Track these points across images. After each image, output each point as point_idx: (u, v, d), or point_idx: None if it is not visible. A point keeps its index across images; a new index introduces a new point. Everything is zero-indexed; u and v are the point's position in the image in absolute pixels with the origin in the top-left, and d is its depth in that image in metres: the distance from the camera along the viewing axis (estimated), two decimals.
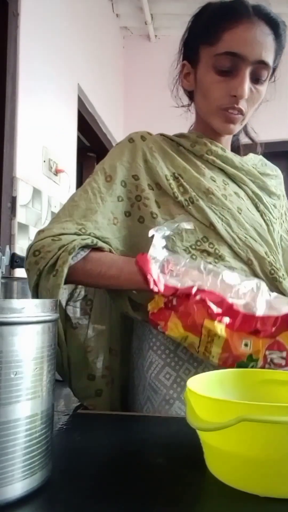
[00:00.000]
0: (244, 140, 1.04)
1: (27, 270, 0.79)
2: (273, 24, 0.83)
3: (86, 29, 2.86)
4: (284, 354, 0.69)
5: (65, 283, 0.76)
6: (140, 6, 3.39)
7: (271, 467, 0.43)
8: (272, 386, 0.58)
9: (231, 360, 0.69)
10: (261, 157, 1.02)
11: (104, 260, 0.80)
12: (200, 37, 0.87)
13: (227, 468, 0.46)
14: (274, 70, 0.90)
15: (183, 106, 0.99)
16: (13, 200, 1.86)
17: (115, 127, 3.53)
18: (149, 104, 3.58)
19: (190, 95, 0.96)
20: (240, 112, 0.85)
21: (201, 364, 0.81)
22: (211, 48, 0.84)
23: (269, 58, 0.83)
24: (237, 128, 0.89)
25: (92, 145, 3.47)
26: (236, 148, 1.03)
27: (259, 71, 0.83)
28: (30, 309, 0.43)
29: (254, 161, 0.99)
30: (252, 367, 0.68)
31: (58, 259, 0.75)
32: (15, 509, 0.41)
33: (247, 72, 0.82)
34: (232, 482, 0.45)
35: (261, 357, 0.68)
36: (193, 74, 0.91)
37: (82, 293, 0.93)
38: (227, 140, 0.96)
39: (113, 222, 0.84)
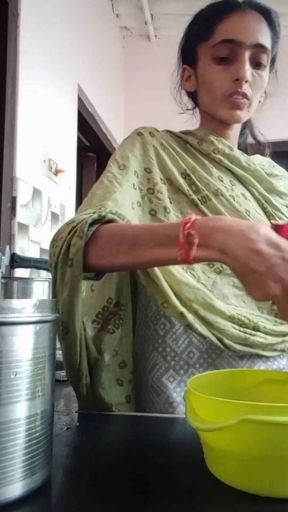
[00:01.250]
0: (249, 140, 1.04)
1: (50, 266, 0.72)
2: (265, 12, 0.85)
3: (86, 29, 2.86)
4: None
5: (85, 271, 0.68)
6: (140, 6, 3.39)
7: (271, 467, 0.43)
8: (272, 386, 0.58)
9: None
10: (269, 158, 1.02)
11: (115, 232, 0.67)
12: (196, 37, 0.89)
13: (227, 468, 0.46)
14: (273, 60, 0.90)
15: (187, 109, 0.99)
16: (13, 200, 1.86)
17: (115, 127, 3.52)
18: (149, 104, 3.58)
19: (193, 97, 0.97)
20: (245, 96, 0.84)
21: (207, 369, 0.79)
22: (208, 42, 0.86)
23: (266, 42, 0.84)
24: (244, 115, 0.87)
25: (92, 145, 3.47)
26: (244, 150, 1.02)
27: (258, 55, 0.84)
28: (30, 309, 0.43)
29: (261, 161, 0.98)
30: None
31: (70, 246, 0.67)
32: (15, 509, 0.41)
33: (246, 56, 0.83)
34: (232, 482, 0.45)
35: None
36: (194, 74, 0.92)
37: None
38: (234, 136, 0.95)
39: (131, 206, 0.80)
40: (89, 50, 2.92)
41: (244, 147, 1.03)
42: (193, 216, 0.58)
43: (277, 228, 0.58)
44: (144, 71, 3.71)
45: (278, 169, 1.00)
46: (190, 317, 0.75)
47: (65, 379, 1.12)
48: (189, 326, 0.76)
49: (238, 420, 0.40)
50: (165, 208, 0.83)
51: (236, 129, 0.94)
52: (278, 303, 0.51)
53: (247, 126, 1.02)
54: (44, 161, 2.16)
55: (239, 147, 1.00)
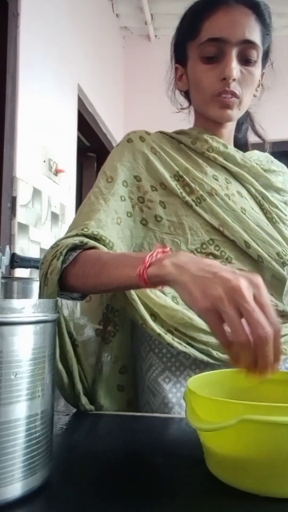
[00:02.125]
0: (253, 139, 1.03)
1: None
2: (253, 5, 0.83)
3: (86, 29, 2.86)
4: None
5: (64, 290, 0.70)
6: (140, 6, 3.39)
7: (271, 467, 0.43)
8: (272, 386, 0.58)
9: None
10: (267, 154, 1.00)
11: (93, 256, 0.69)
12: (185, 36, 0.88)
13: (227, 468, 0.46)
14: (267, 53, 0.89)
15: (182, 109, 0.99)
16: (13, 200, 1.86)
17: (115, 127, 3.52)
18: (149, 104, 3.57)
19: (187, 96, 0.96)
20: (234, 95, 0.83)
21: (203, 370, 0.79)
22: (195, 41, 0.85)
23: (254, 37, 0.82)
24: (235, 113, 0.86)
25: (92, 145, 3.47)
26: (244, 144, 1.01)
27: (247, 51, 0.82)
28: (30, 309, 0.43)
29: (259, 157, 0.97)
30: None
31: (49, 267, 0.70)
32: (15, 509, 0.41)
33: (233, 54, 0.81)
34: (232, 482, 0.45)
35: None
36: (185, 73, 0.91)
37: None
38: (229, 134, 0.94)
39: (117, 221, 0.80)
40: (89, 50, 2.92)
41: (243, 142, 1.02)
42: (168, 248, 0.61)
43: None
44: (144, 71, 3.71)
45: (276, 164, 0.99)
46: (168, 337, 0.76)
47: None
48: (169, 345, 0.76)
49: (238, 420, 0.40)
50: (155, 216, 0.84)
51: (230, 126, 0.93)
52: (222, 305, 0.48)
53: (245, 121, 1.01)
54: (44, 161, 2.16)
55: (238, 143, 0.99)
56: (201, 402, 0.47)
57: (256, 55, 0.83)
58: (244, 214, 0.85)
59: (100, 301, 0.87)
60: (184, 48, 0.89)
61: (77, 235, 0.73)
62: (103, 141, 3.38)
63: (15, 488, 0.41)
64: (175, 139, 0.92)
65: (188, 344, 0.77)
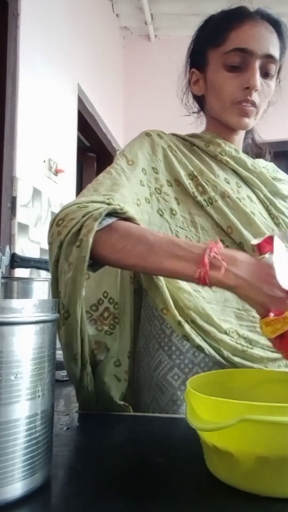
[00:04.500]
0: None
1: (49, 244, 0.69)
2: (275, 23, 0.87)
3: (86, 29, 2.86)
4: None
5: (90, 258, 0.65)
6: (140, 6, 3.39)
7: (271, 467, 0.43)
8: (272, 386, 0.58)
9: None
10: (272, 163, 1.03)
11: (135, 232, 0.66)
12: (207, 43, 0.91)
13: (227, 468, 0.46)
14: (279, 69, 0.92)
15: (194, 112, 1.01)
16: (13, 200, 1.86)
17: (115, 127, 3.52)
18: (149, 104, 3.58)
19: (200, 101, 0.99)
20: (254, 104, 0.86)
21: (212, 368, 0.79)
22: (219, 48, 0.87)
23: (276, 53, 0.86)
24: (251, 122, 0.89)
25: (92, 145, 3.47)
26: (246, 153, 1.03)
27: (268, 65, 0.86)
28: (30, 309, 0.43)
29: (266, 165, 1.00)
30: None
31: (82, 227, 0.65)
32: (15, 509, 0.41)
33: (257, 65, 0.85)
34: (232, 482, 0.45)
35: None
36: (203, 79, 0.93)
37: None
38: (239, 141, 0.97)
39: (137, 203, 0.79)
40: (89, 50, 2.92)
41: (246, 152, 1.04)
42: (219, 243, 0.63)
43: (259, 247, 0.64)
44: (144, 71, 3.71)
45: (281, 174, 1.02)
46: (187, 327, 0.74)
47: (65, 379, 1.12)
48: (185, 337, 0.75)
49: (238, 420, 0.40)
50: (171, 209, 0.85)
51: (241, 134, 0.96)
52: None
53: (250, 131, 1.03)
54: (44, 161, 2.16)
55: (243, 151, 1.01)
56: (201, 402, 0.47)
57: (275, 70, 0.87)
58: (254, 217, 0.87)
59: (98, 285, 0.85)
60: (204, 54, 0.91)
61: (104, 203, 0.69)
62: (103, 141, 3.38)
63: (15, 488, 0.41)
64: (187, 141, 0.95)
65: (203, 339, 0.75)
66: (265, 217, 0.90)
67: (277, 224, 0.90)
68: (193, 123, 1.01)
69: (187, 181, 0.86)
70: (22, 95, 1.94)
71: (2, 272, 1.25)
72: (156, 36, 3.77)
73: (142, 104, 3.66)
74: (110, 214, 0.67)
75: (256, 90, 0.85)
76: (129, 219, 0.70)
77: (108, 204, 0.69)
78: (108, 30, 3.47)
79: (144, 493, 0.44)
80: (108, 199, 0.71)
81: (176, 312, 0.74)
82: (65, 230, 0.67)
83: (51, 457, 0.47)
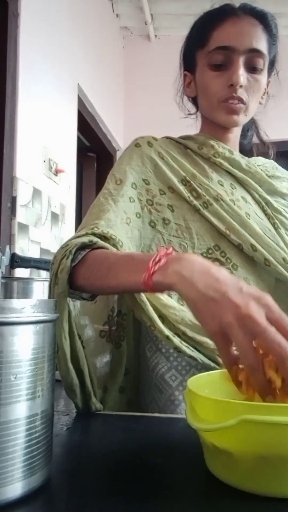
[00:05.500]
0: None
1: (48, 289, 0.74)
2: (260, 16, 0.86)
3: (86, 29, 2.86)
4: None
5: (74, 290, 0.70)
6: (140, 6, 3.39)
7: (271, 467, 0.43)
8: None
9: None
10: (272, 161, 1.02)
11: (99, 257, 0.69)
12: (194, 45, 0.91)
13: (227, 468, 0.46)
14: (273, 62, 0.91)
15: (190, 114, 1.01)
16: (13, 200, 1.86)
17: (115, 127, 3.52)
18: (149, 104, 3.58)
19: (195, 102, 0.99)
20: (241, 101, 0.86)
21: (209, 370, 0.79)
22: (204, 49, 0.88)
23: (261, 46, 0.85)
24: (241, 119, 0.89)
25: (92, 145, 3.47)
26: (249, 150, 1.03)
27: (254, 60, 0.85)
28: (30, 309, 0.43)
29: (264, 163, 0.99)
30: None
31: (59, 267, 0.69)
32: (15, 509, 0.41)
33: (240, 62, 0.84)
34: (232, 482, 0.45)
35: None
36: (193, 80, 0.94)
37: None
38: (234, 139, 0.96)
39: (126, 221, 0.81)
40: (89, 50, 2.92)
41: (249, 148, 1.03)
42: (171, 249, 0.58)
43: None
44: (144, 71, 3.71)
45: (281, 171, 1.01)
46: (176, 340, 0.75)
47: None
48: (177, 349, 0.76)
49: (238, 420, 0.40)
50: (164, 219, 0.85)
51: (236, 132, 0.95)
52: (232, 330, 0.46)
53: (250, 127, 1.03)
54: (44, 161, 2.16)
55: (243, 149, 1.01)
56: (201, 402, 0.47)
57: (263, 63, 0.86)
58: (249, 219, 0.86)
59: (106, 302, 0.86)
60: (193, 56, 0.92)
61: (86, 234, 0.73)
62: (103, 141, 3.38)
63: (15, 488, 0.41)
64: (181, 144, 0.94)
65: (195, 348, 0.77)
66: (261, 218, 0.89)
67: (273, 224, 0.89)
68: (192, 124, 1.01)
69: (181, 187, 0.86)
70: (22, 95, 1.94)
71: (2, 272, 1.25)
72: (156, 36, 3.77)
73: (142, 104, 3.66)
74: (84, 247, 0.70)
75: (241, 87, 0.84)
76: (102, 247, 0.71)
77: (92, 234, 0.72)
78: (108, 30, 3.47)
79: (144, 493, 0.44)
80: (92, 229, 0.74)
81: (163, 328, 0.75)
82: (50, 272, 0.72)
83: (51, 457, 0.47)
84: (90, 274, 0.68)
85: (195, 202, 0.86)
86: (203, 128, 0.97)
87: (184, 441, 0.58)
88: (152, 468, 0.50)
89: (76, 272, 0.69)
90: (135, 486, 0.46)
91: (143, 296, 0.75)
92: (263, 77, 0.88)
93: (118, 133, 3.61)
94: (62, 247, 0.73)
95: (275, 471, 0.43)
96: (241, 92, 0.85)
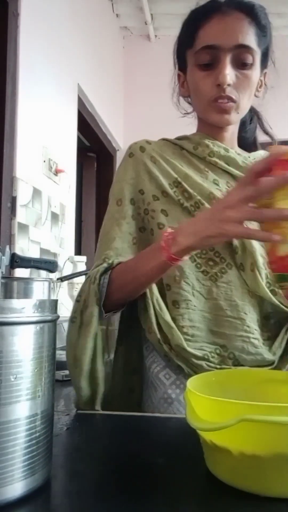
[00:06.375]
0: (263, 138, 1.03)
1: (72, 321, 0.82)
2: (247, 9, 0.84)
3: (86, 29, 2.86)
4: None
5: (109, 310, 0.81)
6: (140, 6, 3.39)
7: (271, 467, 0.43)
8: (272, 386, 0.58)
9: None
10: None
11: (120, 270, 0.81)
12: (183, 44, 0.91)
13: (227, 468, 0.46)
14: (266, 53, 0.89)
15: (186, 113, 1.00)
16: (13, 200, 1.86)
17: (115, 127, 3.52)
18: (149, 104, 3.58)
19: (190, 101, 0.98)
20: (230, 99, 0.84)
21: (202, 371, 0.81)
22: (192, 48, 0.87)
23: (248, 41, 0.83)
24: (233, 117, 0.87)
25: (92, 145, 3.47)
26: (252, 144, 1.01)
27: (242, 56, 0.83)
28: (30, 309, 0.43)
29: (263, 157, 0.94)
30: None
31: (88, 294, 0.80)
32: (15, 509, 0.41)
33: (227, 60, 0.82)
34: (232, 482, 0.45)
35: None
36: (186, 80, 0.93)
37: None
38: (231, 137, 0.94)
39: (133, 242, 0.87)
40: (89, 50, 2.92)
41: (251, 141, 1.01)
42: (169, 229, 0.72)
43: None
44: (144, 71, 3.71)
45: None
46: (166, 347, 0.82)
47: (65, 379, 1.12)
48: (166, 356, 0.83)
49: (238, 420, 0.40)
50: (158, 224, 0.87)
51: (232, 129, 0.94)
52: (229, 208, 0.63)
53: (252, 120, 1.01)
54: (44, 161, 2.16)
55: (245, 143, 0.98)
56: (201, 402, 0.47)
57: (252, 58, 0.84)
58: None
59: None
60: (184, 56, 0.91)
61: (102, 264, 0.83)
62: (103, 141, 3.38)
63: (15, 488, 0.41)
64: (177, 145, 0.94)
65: (183, 362, 0.82)
66: None
67: None
68: (191, 123, 1.00)
69: (171, 190, 0.87)
70: (22, 95, 1.94)
71: (2, 272, 1.25)
72: (156, 36, 3.77)
73: (142, 104, 3.66)
74: (105, 271, 0.81)
75: (229, 85, 0.83)
76: (118, 263, 0.83)
77: (107, 263, 0.83)
78: (108, 30, 3.47)
79: (144, 493, 0.44)
80: (103, 259, 0.84)
81: (158, 333, 0.82)
82: (78, 304, 0.82)
83: (51, 457, 0.47)
84: (121, 284, 0.79)
85: (186, 204, 0.86)
86: (199, 127, 0.96)
87: (184, 441, 0.58)
88: (152, 468, 0.50)
89: (109, 292, 0.79)
90: (135, 486, 0.46)
91: (150, 302, 0.83)
92: (253, 72, 0.86)
93: (118, 133, 3.61)
94: (86, 279, 0.83)
95: (275, 471, 0.43)
96: (230, 91, 0.84)
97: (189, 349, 0.80)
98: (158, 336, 0.82)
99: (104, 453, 0.56)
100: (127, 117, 3.74)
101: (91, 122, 3.05)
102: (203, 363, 0.80)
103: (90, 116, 3.00)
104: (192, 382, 0.52)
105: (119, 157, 3.63)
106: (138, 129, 3.80)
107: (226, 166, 0.90)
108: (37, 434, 0.44)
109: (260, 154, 0.97)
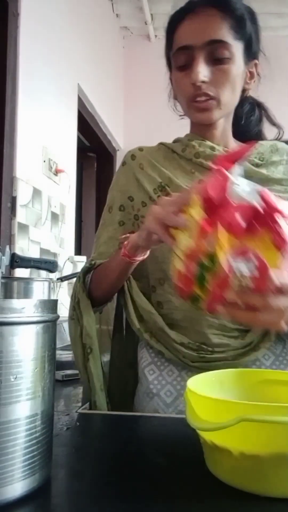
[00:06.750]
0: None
1: (71, 319, 0.89)
2: (219, 3, 0.83)
3: (86, 29, 2.86)
4: (251, 265, 0.49)
5: (95, 305, 0.89)
6: (140, 6, 3.39)
7: (271, 467, 0.43)
8: (272, 386, 0.58)
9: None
10: (274, 142, 0.96)
11: (98, 270, 0.89)
12: (166, 48, 0.92)
13: (227, 468, 0.46)
14: (250, 43, 0.87)
15: (183, 115, 0.99)
16: (13, 200, 1.86)
17: (115, 127, 3.52)
18: (149, 104, 3.57)
19: None
20: (209, 96, 0.83)
21: (185, 368, 0.85)
22: (171, 52, 0.88)
23: (222, 35, 0.82)
24: (216, 114, 0.86)
25: (92, 145, 3.47)
26: (256, 136, 0.98)
27: (216, 51, 0.82)
28: (30, 309, 0.43)
29: (259, 150, 0.93)
30: (207, 270, 0.51)
31: (76, 291, 0.89)
32: (15, 509, 0.41)
33: (200, 58, 0.82)
34: (232, 482, 0.45)
35: (222, 259, 0.49)
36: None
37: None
38: (221, 133, 0.92)
39: (119, 246, 0.88)
40: (89, 50, 2.92)
41: (255, 134, 0.99)
42: (129, 236, 0.79)
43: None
44: (144, 71, 3.71)
45: (280, 153, 0.94)
46: (146, 335, 0.87)
47: (65, 379, 1.12)
48: (147, 343, 0.88)
49: (238, 420, 0.40)
50: None
51: (221, 126, 0.91)
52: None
53: (253, 113, 0.99)
54: (44, 161, 2.16)
55: (249, 136, 0.96)
56: (201, 402, 0.47)
57: (228, 52, 0.83)
58: None
59: (111, 306, 0.98)
60: (168, 58, 0.92)
61: (89, 265, 0.91)
62: (103, 141, 3.38)
63: (15, 488, 0.41)
64: (170, 148, 0.95)
65: (162, 345, 0.86)
66: None
67: None
68: (184, 120, 0.99)
69: (155, 195, 0.89)
70: (22, 95, 1.94)
71: (2, 272, 1.25)
72: (156, 36, 3.76)
73: (142, 104, 3.66)
74: (88, 271, 0.90)
75: (204, 82, 0.82)
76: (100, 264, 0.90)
77: (90, 265, 0.91)
78: (108, 30, 3.47)
79: (144, 493, 0.44)
80: (90, 261, 0.92)
81: (136, 322, 0.88)
82: (72, 299, 0.91)
83: (51, 457, 0.47)
84: (98, 281, 0.88)
85: None
86: (191, 127, 0.96)
87: (184, 441, 0.58)
88: (152, 468, 0.50)
89: (91, 289, 0.88)
90: (135, 486, 0.46)
91: (128, 294, 0.89)
92: (233, 66, 0.84)
93: (118, 133, 3.61)
94: (75, 280, 0.91)
95: (275, 471, 0.43)
96: (206, 88, 0.82)
97: (169, 332, 0.85)
98: (138, 326, 0.87)
99: (104, 453, 0.56)
100: (127, 117, 3.74)
101: (91, 122, 3.05)
102: (182, 348, 0.84)
103: (90, 116, 3.00)
104: (192, 382, 0.52)
105: (119, 157, 3.63)
106: (138, 129, 3.81)
107: (212, 165, 0.89)
108: (37, 434, 0.44)
109: (259, 145, 0.93)
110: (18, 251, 1.82)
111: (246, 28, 0.85)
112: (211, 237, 0.51)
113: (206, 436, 0.47)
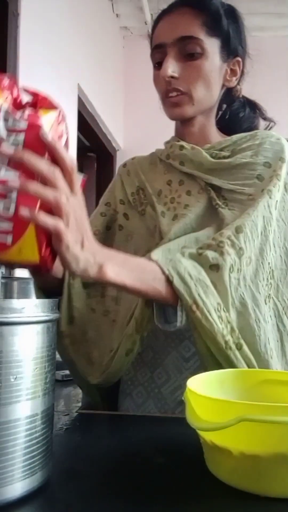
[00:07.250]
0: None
1: None
2: (192, 1, 0.84)
3: (86, 29, 2.86)
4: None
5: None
6: (140, 6, 3.39)
7: (271, 467, 0.43)
8: (272, 386, 0.58)
9: None
10: (254, 132, 0.90)
11: None
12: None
13: (227, 468, 0.46)
14: (228, 39, 0.86)
15: None
16: None
17: (115, 127, 3.52)
18: (149, 104, 3.56)
19: None
20: (180, 92, 0.83)
21: (157, 368, 0.83)
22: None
23: (193, 31, 0.82)
24: (188, 110, 0.85)
25: (92, 145, 3.47)
26: (248, 131, 0.94)
27: (187, 47, 0.82)
28: (30, 309, 0.43)
29: (235, 140, 0.88)
30: None
31: None
32: (15, 509, 0.41)
33: (171, 54, 0.83)
34: (232, 482, 0.45)
35: None
36: None
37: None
38: (200, 132, 0.90)
39: (95, 233, 0.89)
40: (89, 50, 2.92)
41: (247, 129, 0.96)
42: None
43: None
44: (144, 71, 3.67)
45: (254, 139, 0.87)
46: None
47: (65, 379, 1.12)
48: None
49: (238, 420, 0.40)
50: (119, 226, 0.94)
51: (198, 124, 0.90)
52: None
53: (242, 110, 0.97)
54: None
55: (241, 132, 0.92)
56: (201, 402, 0.47)
57: (200, 47, 0.82)
58: (185, 211, 0.83)
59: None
60: None
61: None
62: (103, 141, 3.38)
63: (15, 488, 0.41)
64: (156, 154, 0.97)
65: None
66: (206, 205, 0.84)
67: (216, 206, 0.82)
68: None
69: (131, 198, 0.93)
70: None
71: (2, 272, 1.24)
72: None
73: (142, 104, 3.65)
74: None
75: (173, 77, 0.82)
76: None
77: None
78: (108, 30, 3.47)
79: (144, 493, 0.44)
80: None
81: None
82: None
83: (51, 457, 0.47)
84: None
85: (139, 208, 0.91)
86: (175, 128, 0.97)
87: (184, 441, 0.58)
88: (152, 468, 0.50)
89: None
90: (135, 486, 0.46)
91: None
92: (205, 61, 0.83)
93: (118, 133, 3.61)
94: None
95: (274, 471, 0.43)
96: (176, 83, 0.83)
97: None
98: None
99: (104, 453, 0.56)
100: (127, 117, 3.75)
101: (91, 122, 3.05)
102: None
103: (90, 116, 3.00)
104: (192, 382, 0.52)
105: (119, 157, 3.63)
106: (138, 129, 3.81)
107: (178, 165, 0.89)
108: (37, 434, 0.44)
109: (233, 138, 0.89)
110: None
111: (222, 24, 0.85)
112: None
113: (206, 436, 0.47)
